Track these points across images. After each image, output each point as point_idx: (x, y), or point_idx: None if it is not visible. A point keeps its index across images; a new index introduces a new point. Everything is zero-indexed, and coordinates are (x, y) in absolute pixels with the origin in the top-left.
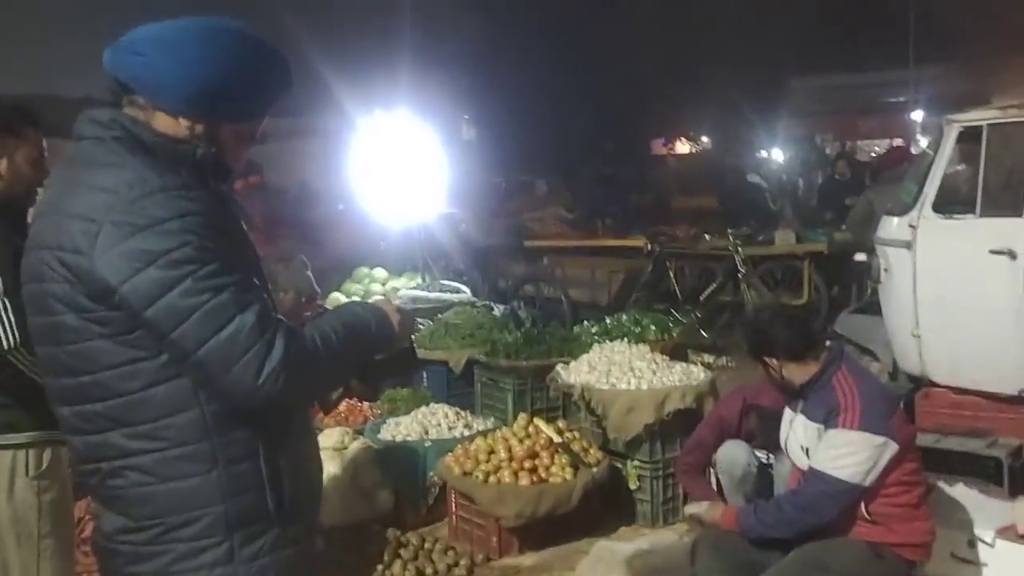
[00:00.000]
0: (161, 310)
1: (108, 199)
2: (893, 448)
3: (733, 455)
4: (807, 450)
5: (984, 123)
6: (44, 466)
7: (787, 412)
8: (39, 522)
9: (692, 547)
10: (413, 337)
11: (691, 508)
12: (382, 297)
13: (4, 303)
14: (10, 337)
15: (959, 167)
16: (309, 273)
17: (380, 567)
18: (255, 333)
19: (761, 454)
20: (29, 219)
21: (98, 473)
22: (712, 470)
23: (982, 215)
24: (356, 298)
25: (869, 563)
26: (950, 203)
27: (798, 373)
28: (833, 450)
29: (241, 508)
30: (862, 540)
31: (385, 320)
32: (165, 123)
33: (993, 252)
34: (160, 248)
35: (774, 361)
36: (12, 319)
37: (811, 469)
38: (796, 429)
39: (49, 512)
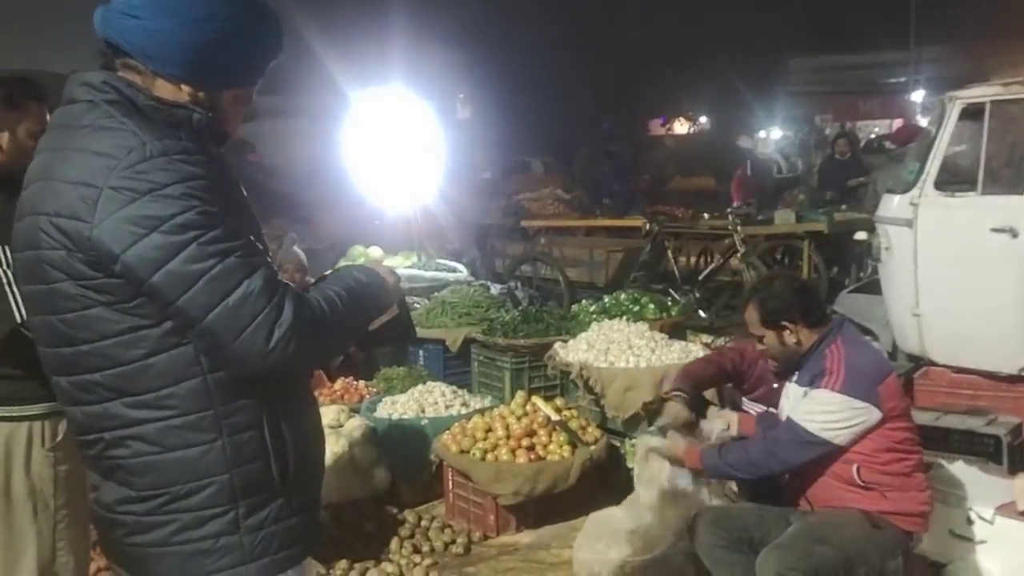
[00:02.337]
0: (166, 276)
1: (106, 163)
2: (874, 415)
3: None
4: None
5: (987, 100)
6: (59, 437)
7: (785, 384)
8: (55, 493)
9: (691, 523)
10: (416, 306)
11: (651, 441)
12: (373, 259)
13: (12, 276)
14: (22, 309)
15: (961, 145)
16: (297, 249)
17: (377, 545)
18: (263, 298)
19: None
20: None
21: (99, 443)
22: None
23: (984, 193)
24: None
25: (867, 535)
26: (952, 181)
27: (810, 339)
28: (811, 404)
29: (246, 477)
30: (857, 509)
31: (382, 281)
32: (165, 89)
33: (994, 230)
34: (163, 214)
35: (793, 326)
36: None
37: (787, 419)
38: (790, 398)
39: (65, 483)
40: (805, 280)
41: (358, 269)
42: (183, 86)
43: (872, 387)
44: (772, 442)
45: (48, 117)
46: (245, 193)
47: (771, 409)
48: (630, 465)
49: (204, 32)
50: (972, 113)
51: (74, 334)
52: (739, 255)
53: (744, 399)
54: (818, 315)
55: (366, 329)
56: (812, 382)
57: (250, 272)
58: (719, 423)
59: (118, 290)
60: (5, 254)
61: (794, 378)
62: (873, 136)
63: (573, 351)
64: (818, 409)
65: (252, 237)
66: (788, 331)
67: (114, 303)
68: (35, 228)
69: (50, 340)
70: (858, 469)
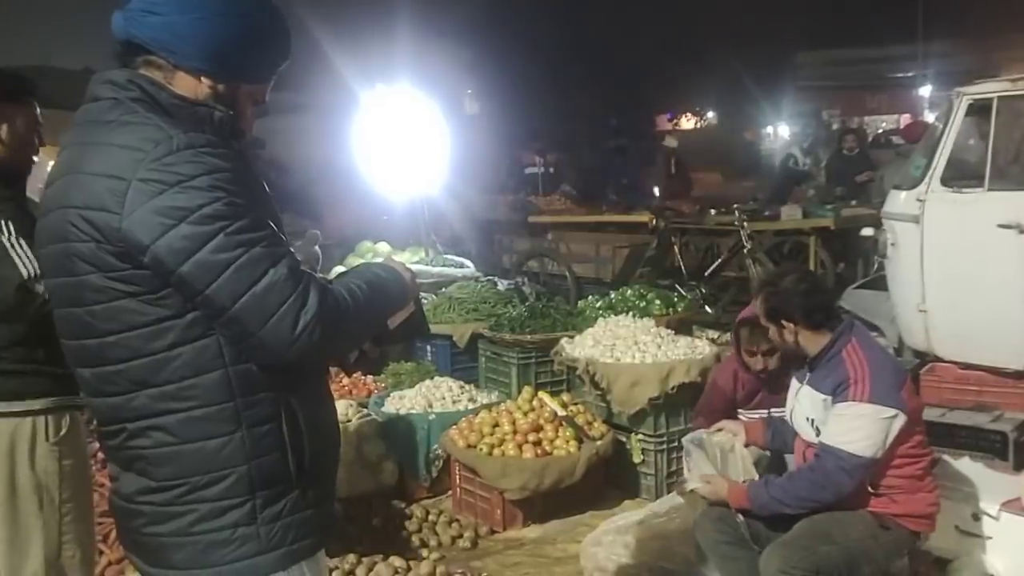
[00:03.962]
0: (194, 266)
1: (134, 156)
2: (902, 420)
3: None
4: (812, 421)
5: (994, 96)
6: (64, 431)
7: (793, 383)
8: (60, 487)
9: (698, 517)
10: (424, 301)
11: (692, 485)
12: (388, 256)
13: (19, 242)
14: (28, 267)
15: (968, 141)
16: (317, 248)
17: (384, 539)
18: (289, 286)
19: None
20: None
21: (122, 433)
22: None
23: (991, 189)
24: None
25: (874, 534)
26: (959, 177)
27: (812, 342)
28: (845, 423)
29: (264, 469)
30: (866, 511)
31: (400, 277)
32: (185, 84)
33: (1001, 226)
34: (191, 204)
35: (791, 326)
36: (29, 253)
37: (823, 445)
38: (801, 400)
39: (69, 477)
40: (816, 280)
41: (377, 265)
42: (203, 78)
43: (897, 391)
44: (819, 473)
45: (39, 113)
46: (267, 187)
47: (774, 411)
48: (636, 460)
49: (220, 25)
50: (979, 109)
51: (100, 326)
52: (745, 251)
53: (740, 412)
54: (820, 318)
55: (384, 323)
56: (836, 391)
57: (275, 261)
58: (724, 437)
59: (145, 281)
60: (6, 226)
61: (806, 378)
62: (880, 131)
63: (579, 347)
64: (852, 427)
65: (275, 228)
66: (786, 329)
67: (141, 295)
68: (63, 221)
69: (75, 332)
70: (871, 475)
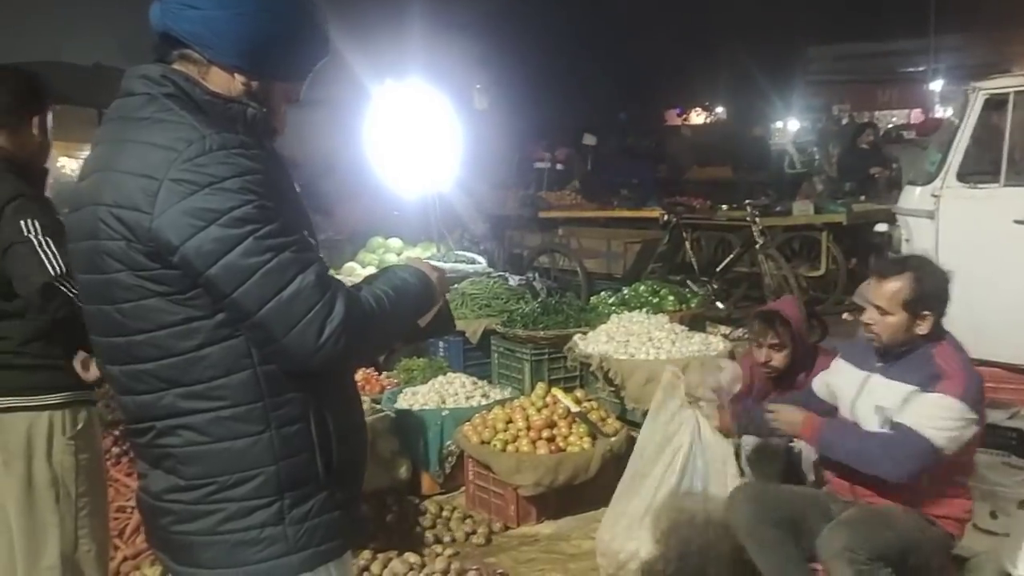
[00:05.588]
0: (222, 269)
1: (167, 156)
2: (976, 429)
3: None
4: (882, 409)
5: (1011, 91)
6: (80, 426)
7: (850, 372)
8: (76, 481)
9: (730, 496)
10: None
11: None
12: (415, 257)
13: (45, 241)
14: (56, 265)
15: (984, 136)
16: None
17: (398, 535)
18: (316, 294)
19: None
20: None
21: (150, 432)
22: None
23: (1007, 184)
24: (371, 268)
25: (922, 528)
26: (974, 172)
27: (923, 335)
28: (933, 410)
29: (292, 470)
30: (911, 508)
31: (427, 280)
32: (220, 80)
33: (1017, 222)
34: (222, 207)
35: (931, 317)
36: (55, 251)
37: (901, 425)
38: (874, 390)
39: (85, 471)
40: None
41: (404, 269)
42: (237, 75)
43: (981, 401)
44: (895, 446)
45: (50, 114)
46: (297, 189)
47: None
48: None
49: (258, 22)
50: (996, 104)
51: (130, 324)
52: (757, 247)
53: None
54: (944, 313)
55: (414, 325)
56: (926, 383)
57: (304, 267)
58: (704, 409)
59: (175, 281)
60: (33, 225)
61: (875, 368)
62: (891, 126)
63: (593, 343)
64: (940, 415)
65: (305, 232)
66: (922, 320)
67: (170, 294)
68: (94, 218)
69: (105, 329)
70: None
